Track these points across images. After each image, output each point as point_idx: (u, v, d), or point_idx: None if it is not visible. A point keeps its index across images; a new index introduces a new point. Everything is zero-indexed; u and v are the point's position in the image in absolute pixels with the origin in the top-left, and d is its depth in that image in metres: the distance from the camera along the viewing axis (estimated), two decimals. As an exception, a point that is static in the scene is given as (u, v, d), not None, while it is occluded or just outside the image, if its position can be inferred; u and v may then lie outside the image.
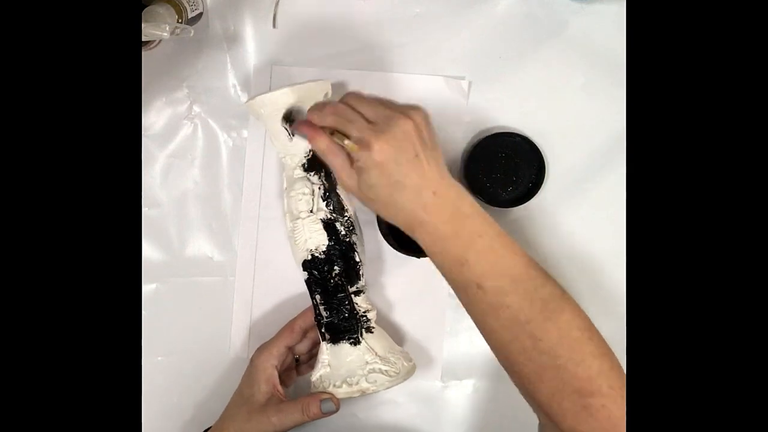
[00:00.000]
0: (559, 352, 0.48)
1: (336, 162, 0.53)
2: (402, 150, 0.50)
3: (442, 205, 0.50)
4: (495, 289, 0.50)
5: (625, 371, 0.49)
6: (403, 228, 0.53)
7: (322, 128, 0.54)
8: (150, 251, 0.66)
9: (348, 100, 0.54)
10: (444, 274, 0.52)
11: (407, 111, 0.51)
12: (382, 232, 0.63)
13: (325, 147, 0.53)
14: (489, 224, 0.51)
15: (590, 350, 0.48)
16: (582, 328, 0.49)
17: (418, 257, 0.63)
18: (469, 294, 0.51)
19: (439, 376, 0.68)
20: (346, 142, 0.52)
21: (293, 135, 0.59)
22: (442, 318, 0.67)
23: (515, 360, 0.50)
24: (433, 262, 0.53)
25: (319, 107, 0.55)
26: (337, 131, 0.53)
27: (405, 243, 0.63)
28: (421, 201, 0.50)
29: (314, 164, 0.60)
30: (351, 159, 0.52)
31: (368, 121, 0.51)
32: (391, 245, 0.63)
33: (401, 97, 0.65)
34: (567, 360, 0.48)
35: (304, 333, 0.63)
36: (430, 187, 0.50)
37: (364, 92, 0.55)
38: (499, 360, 0.52)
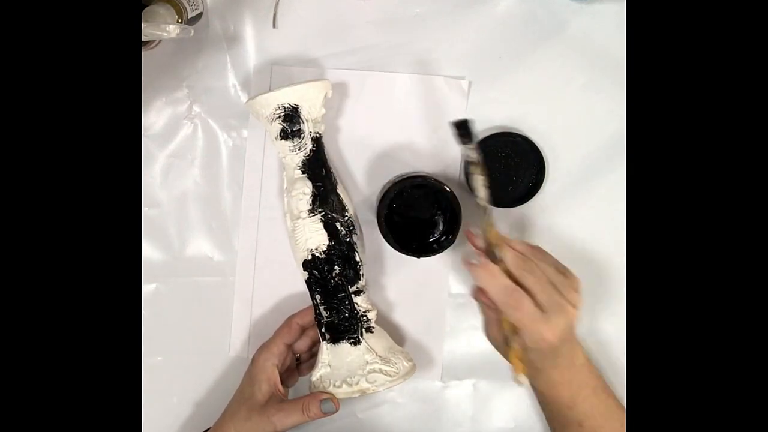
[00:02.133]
0: None
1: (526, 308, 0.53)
2: (563, 341, 0.53)
3: (564, 358, 0.55)
4: (593, 428, 0.56)
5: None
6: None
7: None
8: (150, 251, 0.66)
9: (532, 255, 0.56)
10: (548, 412, 0.59)
11: (574, 299, 0.53)
12: (382, 232, 0.63)
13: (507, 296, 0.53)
14: (593, 371, 0.58)
15: None
16: None
17: (418, 257, 0.63)
18: (568, 430, 0.57)
19: (439, 376, 0.68)
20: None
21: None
22: (442, 318, 0.67)
23: None
24: (541, 399, 0.59)
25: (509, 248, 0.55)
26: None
27: (405, 243, 0.63)
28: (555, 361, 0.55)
29: (314, 164, 0.60)
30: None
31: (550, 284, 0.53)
32: (391, 245, 0.63)
33: (401, 97, 0.66)
34: None
35: (302, 330, 0.64)
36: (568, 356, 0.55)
37: (546, 252, 0.57)
38: None
